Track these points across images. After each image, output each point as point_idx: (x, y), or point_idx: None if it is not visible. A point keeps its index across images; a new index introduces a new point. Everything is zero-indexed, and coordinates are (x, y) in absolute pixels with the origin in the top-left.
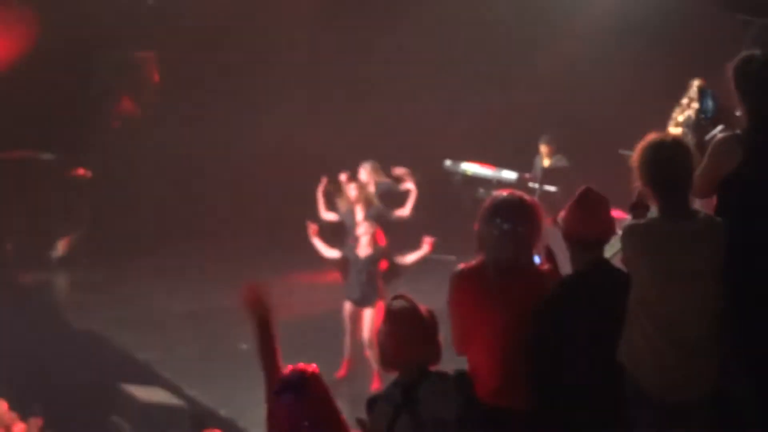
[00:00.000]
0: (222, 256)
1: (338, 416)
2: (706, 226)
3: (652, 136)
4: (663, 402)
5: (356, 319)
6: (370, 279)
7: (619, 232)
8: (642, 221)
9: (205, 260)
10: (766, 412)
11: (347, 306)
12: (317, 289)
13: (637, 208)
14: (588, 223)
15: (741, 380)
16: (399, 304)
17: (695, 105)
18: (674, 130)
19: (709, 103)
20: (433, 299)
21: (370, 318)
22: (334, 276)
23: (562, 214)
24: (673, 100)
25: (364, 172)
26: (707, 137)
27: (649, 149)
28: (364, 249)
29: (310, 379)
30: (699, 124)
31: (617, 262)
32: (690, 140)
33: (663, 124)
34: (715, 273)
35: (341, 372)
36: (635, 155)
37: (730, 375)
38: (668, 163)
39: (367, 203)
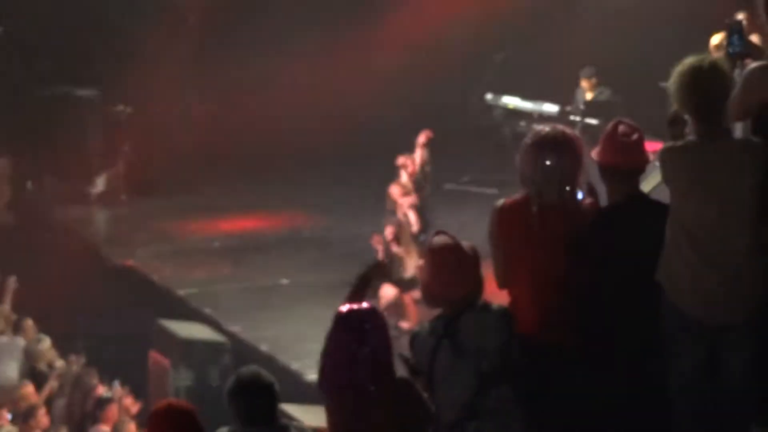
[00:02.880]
0: (263, 192)
1: (392, 355)
2: (744, 147)
3: (687, 60)
4: (705, 325)
5: None
6: None
7: (655, 162)
8: (679, 142)
9: (246, 196)
10: None
11: None
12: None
13: (675, 125)
14: (621, 155)
15: None
16: (440, 239)
17: None
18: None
19: (736, 39)
20: (474, 232)
21: None
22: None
23: (596, 147)
24: (718, 31)
25: None
26: (735, 73)
27: (684, 73)
28: None
29: (374, 311)
30: (726, 59)
31: (658, 196)
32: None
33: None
34: (755, 193)
35: None
36: (671, 79)
37: None
38: (703, 88)
39: None
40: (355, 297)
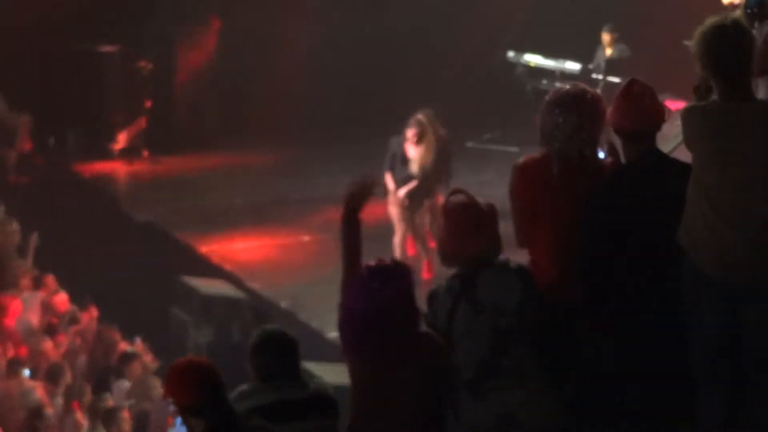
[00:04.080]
0: (285, 149)
1: (415, 309)
2: (762, 108)
3: (710, 20)
4: (728, 287)
5: None
6: None
7: (678, 122)
8: (702, 103)
9: (268, 153)
10: None
11: None
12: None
13: (700, 90)
14: (634, 114)
15: None
16: (457, 198)
17: None
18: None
19: None
20: (495, 191)
21: None
22: None
23: (610, 107)
24: None
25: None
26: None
27: (706, 34)
28: None
29: (401, 266)
30: (745, 17)
31: (680, 155)
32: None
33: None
34: None
35: None
36: (694, 39)
37: None
38: (726, 48)
39: None
40: (349, 239)
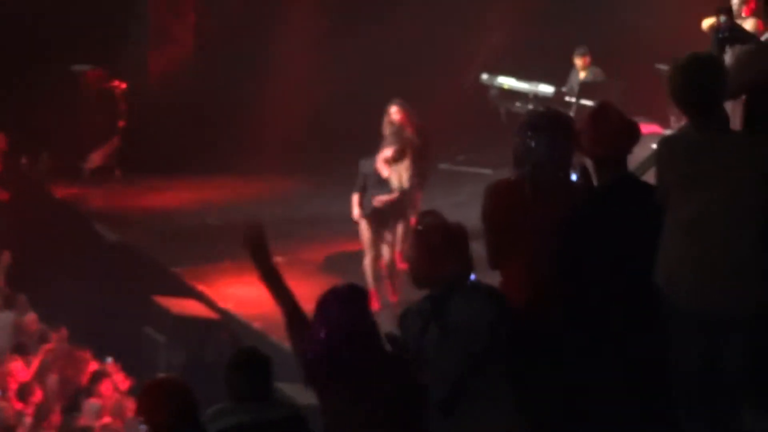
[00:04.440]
0: (256, 169)
1: (377, 330)
2: (746, 139)
3: (682, 58)
4: (704, 319)
5: None
6: None
7: (650, 144)
8: (674, 133)
9: (240, 174)
10: None
11: None
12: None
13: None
14: (605, 139)
15: None
16: (428, 220)
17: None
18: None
19: (726, 24)
20: (469, 212)
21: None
22: None
23: (580, 130)
24: (710, 14)
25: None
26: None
27: (677, 72)
28: None
29: (358, 291)
30: (716, 42)
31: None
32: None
33: (701, 39)
34: (755, 186)
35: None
36: (670, 73)
37: None
38: (703, 81)
39: None
40: (276, 290)
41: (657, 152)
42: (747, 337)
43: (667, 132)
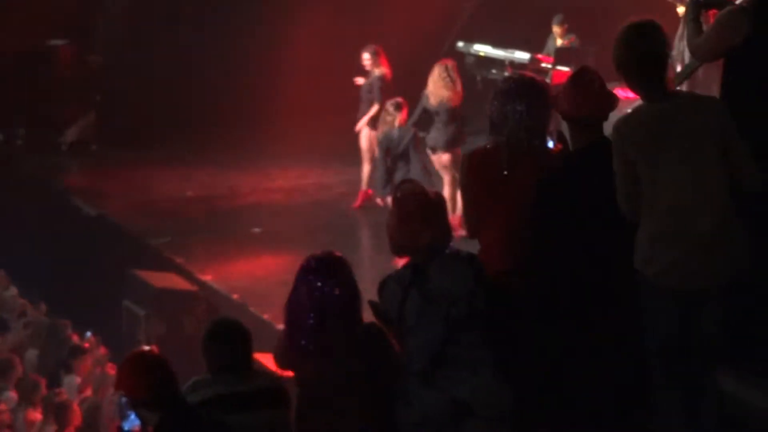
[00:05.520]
0: (234, 142)
1: (360, 301)
2: (691, 104)
3: (622, 29)
4: (679, 293)
5: None
6: None
7: (627, 109)
8: (630, 112)
9: (218, 147)
10: None
11: None
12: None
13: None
14: (584, 101)
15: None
16: (406, 189)
17: None
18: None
19: None
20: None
21: None
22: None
23: (558, 94)
24: None
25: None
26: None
27: (619, 44)
28: None
29: (339, 258)
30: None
31: None
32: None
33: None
34: (713, 153)
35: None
36: (615, 43)
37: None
38: (641, 54)
39: None
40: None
41: (615, 133)
42: (721, 306)
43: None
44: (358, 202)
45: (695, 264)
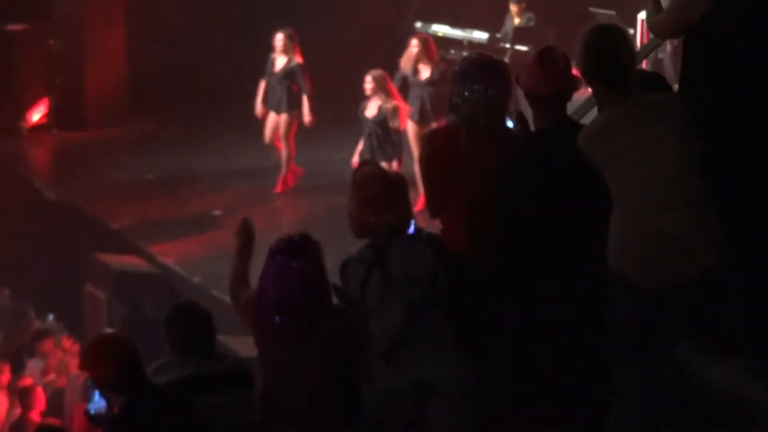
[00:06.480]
0: (194, 126)
1: (327, 282)
2: (653, 105)
3: (587, 32)
4: (648, 289)
5: None
6: None
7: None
8: (592, 125)
9: (178, 129)
10: (750, 292)
11: None
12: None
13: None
14: (549, 79)
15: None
16: (366, 169)
17: None
18: None
19: None
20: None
21: None
22: None
23: (522, 73)
24: None
25: None
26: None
27: (583, 49)
28: None
29: (306, 237)
30: None
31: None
32: None
33: None
34: (678, 148)
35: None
36: (578, 47)
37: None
38: (612, 50)
39: None
40: (239, 268)
41: (584, 148)
42: (687, 302)
43: None
44: (279, 188)
45: (662, 261)
